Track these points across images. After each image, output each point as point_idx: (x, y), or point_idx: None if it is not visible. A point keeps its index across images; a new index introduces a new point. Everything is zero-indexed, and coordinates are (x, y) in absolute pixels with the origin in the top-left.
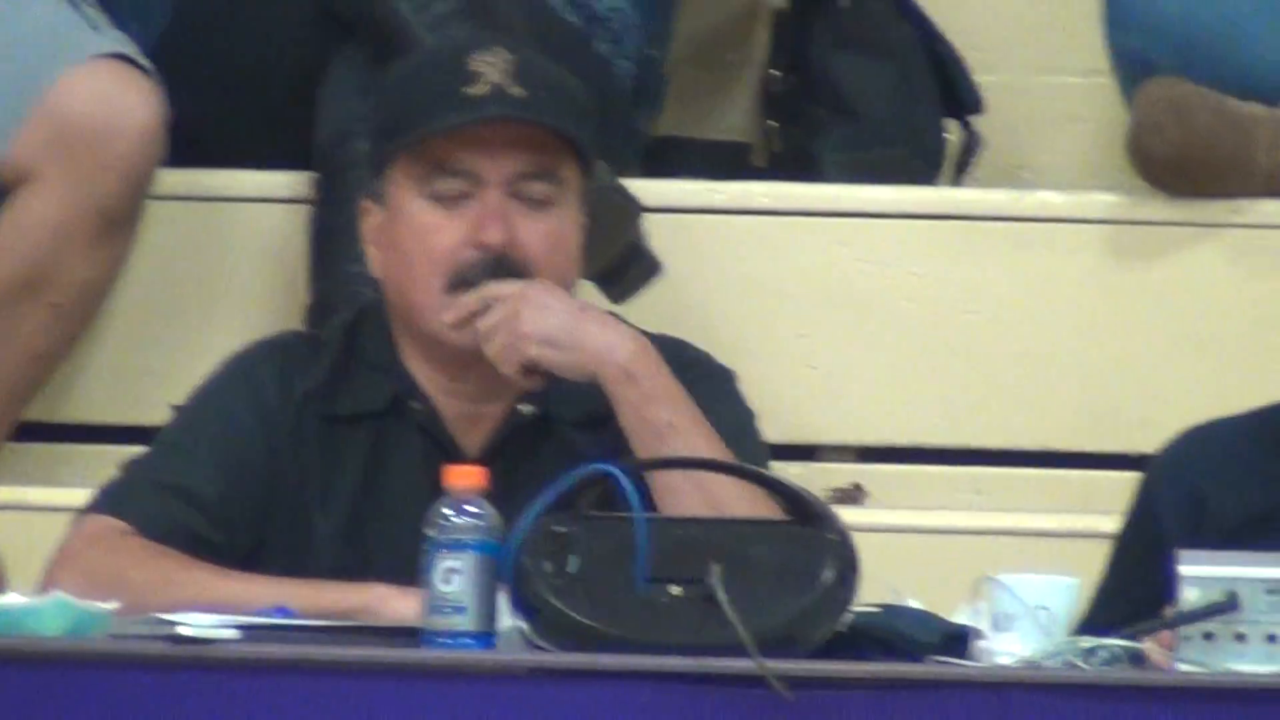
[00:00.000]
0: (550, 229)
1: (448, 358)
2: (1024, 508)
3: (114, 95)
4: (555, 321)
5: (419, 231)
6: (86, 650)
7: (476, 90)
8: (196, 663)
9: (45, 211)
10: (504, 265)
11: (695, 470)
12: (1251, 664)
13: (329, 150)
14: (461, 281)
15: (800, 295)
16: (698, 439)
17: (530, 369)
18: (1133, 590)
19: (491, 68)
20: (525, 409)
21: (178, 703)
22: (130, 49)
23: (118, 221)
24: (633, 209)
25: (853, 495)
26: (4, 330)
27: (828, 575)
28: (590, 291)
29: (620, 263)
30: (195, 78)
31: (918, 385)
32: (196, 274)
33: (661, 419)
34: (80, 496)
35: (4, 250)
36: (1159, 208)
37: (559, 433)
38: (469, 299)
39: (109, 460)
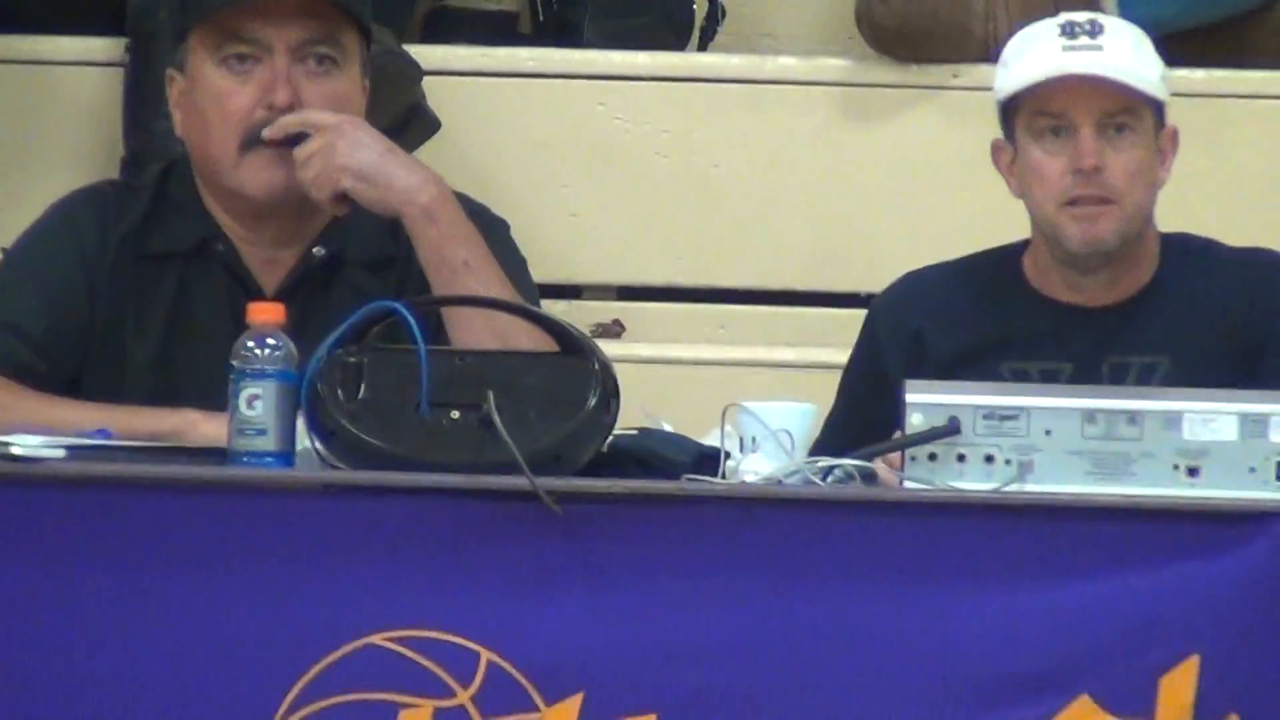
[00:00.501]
0: (333, 90)
1: (244, 208)
2: (765, 341)
3: None
4: (368, 158)
5: (215, 95)
6: None
7: None
8: (26, 479)
9: None
10: None
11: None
12: (971, 481)
13: (139, 19)
14: (254, 140)
15: (563, 150)
16: (489, 276)
17: (340, 198)
18: (859, 418)
19: None
20: (318, 252)
21: (8, 514)
22: None
23: None
24: (413, 72)
25: (613, 330)
26: None
27: (591, 401)
28: None
29: (402, 120)
30: None
31: (670, 231)
32: (20, 131)
33: (458, 257)
34: None
35: None
36: (885, 72)
37: (348, 274)
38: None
39: None
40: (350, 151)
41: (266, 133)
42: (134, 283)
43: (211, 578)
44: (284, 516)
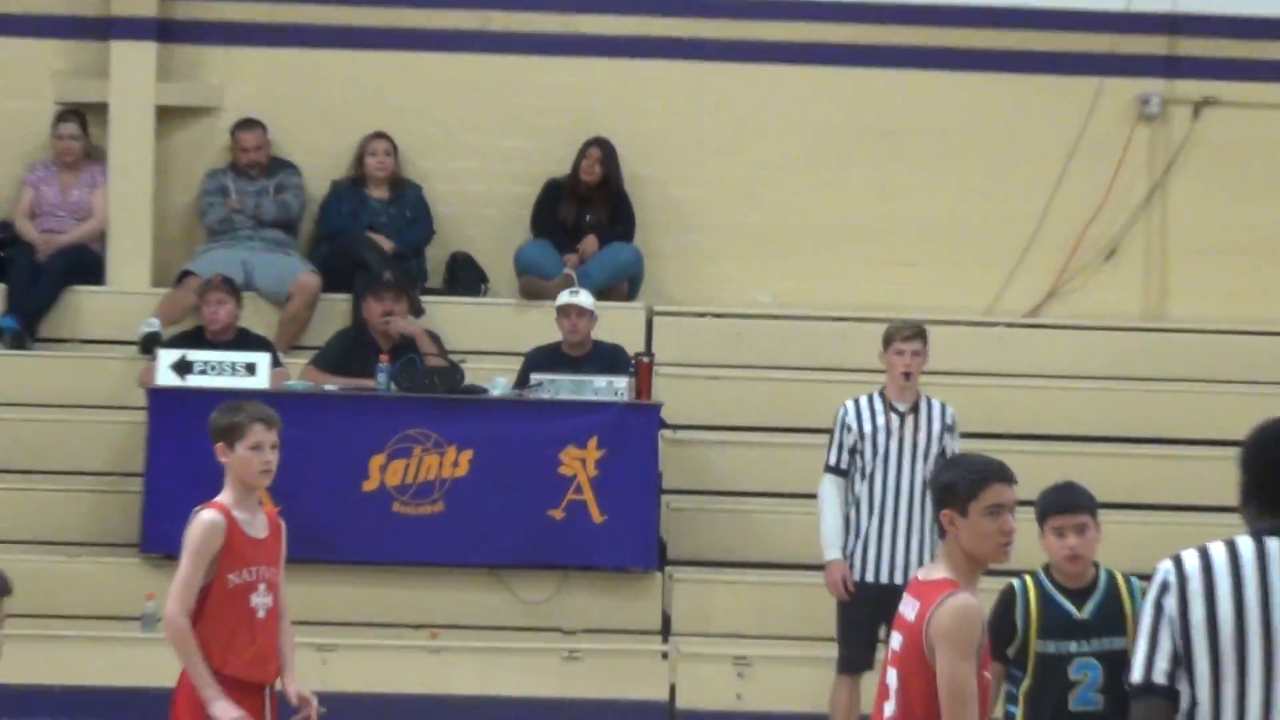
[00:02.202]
0: (401, 307)
1: (378, 332)
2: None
3: None
4: (404, 324)
5: (374, 307)
6: None
7: None
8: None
9: None
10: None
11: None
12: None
13: (359, 289)
14: (381, 321)
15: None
16: (432, 346)
17: (400, 334)
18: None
19: None
20: (395, 340)
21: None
22: None
23: None
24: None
25: (461, 362)
26: None
27: (457, 377)
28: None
29: (417, 311)
30: None
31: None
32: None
33: (426, 342)
34: None
35: None
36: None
37: (406, 345)
38: (387, 319)
39: None
40: (401, 325)
41: (381, 331)
42: (353, 349)
43: (365, 420)
44: (385, 405)
